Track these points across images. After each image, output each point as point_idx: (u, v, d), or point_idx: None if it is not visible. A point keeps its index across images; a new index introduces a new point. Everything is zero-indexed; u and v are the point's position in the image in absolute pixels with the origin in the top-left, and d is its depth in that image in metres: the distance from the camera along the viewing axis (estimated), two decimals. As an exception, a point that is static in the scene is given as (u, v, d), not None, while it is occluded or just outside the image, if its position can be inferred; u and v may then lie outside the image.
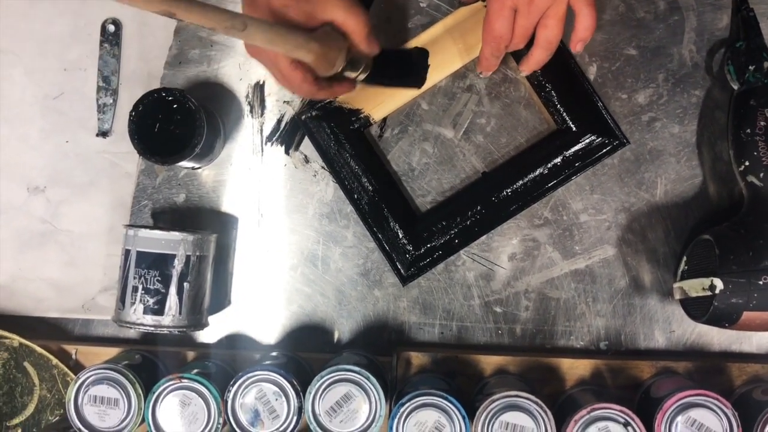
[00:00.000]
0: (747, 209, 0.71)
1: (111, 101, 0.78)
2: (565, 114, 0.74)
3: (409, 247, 0.75)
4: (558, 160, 0.74)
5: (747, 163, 0.70)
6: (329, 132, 0.74)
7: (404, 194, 0.76)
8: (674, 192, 0.76)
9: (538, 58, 0.68)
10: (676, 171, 0.76)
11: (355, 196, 0.75)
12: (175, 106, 0.72)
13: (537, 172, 0.74)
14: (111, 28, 0.78)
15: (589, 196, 0.76)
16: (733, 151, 0.72)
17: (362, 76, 0.67)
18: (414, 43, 0.74)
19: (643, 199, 0.76)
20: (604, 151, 0.74)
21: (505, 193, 0.74)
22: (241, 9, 0.64)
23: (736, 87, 0.73)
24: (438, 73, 0.74)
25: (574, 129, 0.74)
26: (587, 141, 0.74)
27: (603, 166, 0.76)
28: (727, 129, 0.73)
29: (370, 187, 0.74)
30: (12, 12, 0.79)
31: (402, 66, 0.73)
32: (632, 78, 0.76)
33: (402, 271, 0.75)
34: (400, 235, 0.74)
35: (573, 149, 0.74)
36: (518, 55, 0.73)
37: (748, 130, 0.70)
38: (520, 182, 0.74)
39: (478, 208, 0.74)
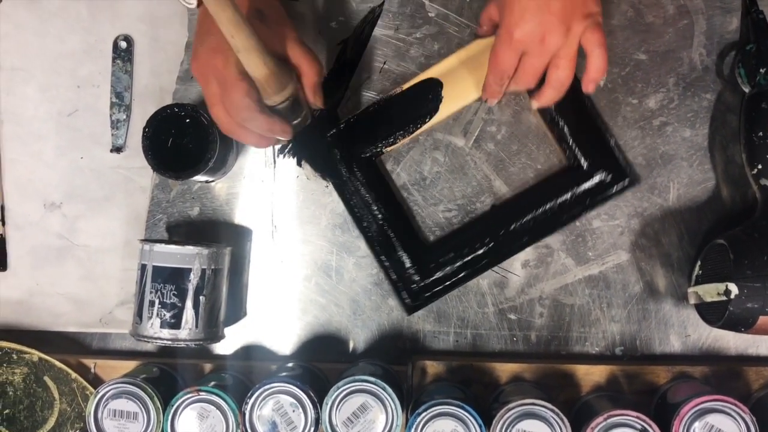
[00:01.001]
0: (761, 213, 0.71)
1: (124, 117, 0.79)
2: (577, 151, 0.74)
3: (416, 277, 0.75)
4: (567, 196, 0.74)
5: (760, 167, 0.70)
6: (340, 158, 0.75)
7: (413, 224, 0.77)
8: (687, 196, 0.76)
9: (549, 97, 0.68)
10: (689, 175, 0.76)
11: (364, 223, 0.75)
12: (187, 120, 0.73)
13: (546, 208, 0.74)
14: (123, 44, 0.79)
15: (601, 201, 0.76)
16: (745, 155, 0.72)
17: (297, 123, 0.66)
18: (428, 74, 0.74)
19: (655, 203, 0.76)
20: (615, 190, 0.74)
21: (513, 227, 0.74)
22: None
23: (747, 90, 0.72)
24: (452, 104, 0.74)
25: (585, 167, 0.74)
26: (598, 179, 0.74)
27: (615, 172, 0.76)
28: (740, 132, 0.73)
29: (379, 216, 0.74)
30: (24, 29, 0.80)
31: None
32: (642, 83, 0.76)
33: (407, 300, 0.75)
34: (407, 265, 0.75)
35: (583, 187, 0.74)
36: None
37: (761, 133, 0.70)
38: (529, 217, 0.74)
39: (486, 240, 0.74)
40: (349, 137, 0.75)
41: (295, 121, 0.66)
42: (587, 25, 0.64)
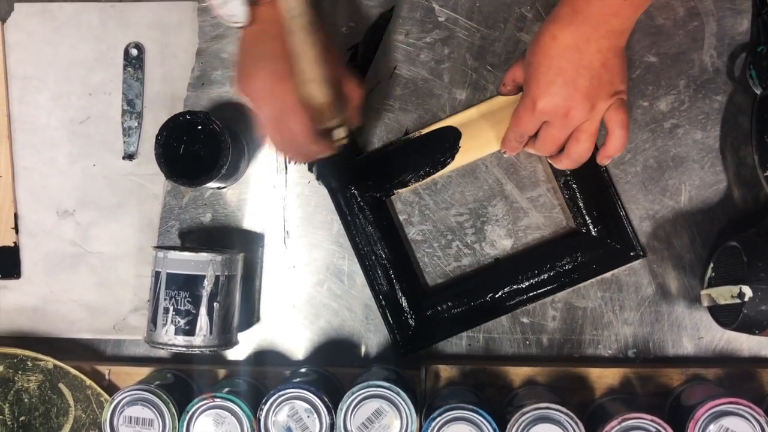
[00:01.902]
0: (773, 215, 0.71)
1: (136, 124, 0.79)
2: (588, 219, 0.74)
3: (411, 322, 0.75)
4: (574, 262, 0.74)
5: (772, 168, 0.70)
6: (350, 195, 0.75)
7: (416, 268, 0.77)
8: (699, 198, 0.75)
9: (565, 166, 0.69)
10: (700, 177, 0.76)
11: (366, 262, 0.75)
12: (199, 128, 0.73)
13: (550, 272, 0.74)
14: (134, 52, 0.79)
15: (613, 204, 0.76)
16: (757, 156, 0.72)
17: (343, 142, 0.67)
18: (448, 122, 0.75)
19: (667, 206, 0.76)
20: (620, 259, 0.74)
21: (516, 286, 0.75)
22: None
23: (758, 91, 0.72)
24: (469, 155, 0.75)
25: (594, 234, 0.74)
26: (605, 248, 0.74)
27: (626, 174, 0.76)
28: (751, 134, 0.73)
29: (383, 255, 0.75)
30: (36, 38, 0.80)
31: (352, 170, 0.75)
32: (653, 85, 0.76)
33: (400, 343, 0.75)
34: (405, 308, 0.75)
35: (590, 255, 0.74)
36: None
37: (773, 135, 0.70)
38: (533, 278, 0.74)
39: (488, 295, 0.75)
40: (361, 176, 0.75)
41: (342, 138, 0.67)
42: (612, 103, 0.64)
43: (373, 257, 0.75)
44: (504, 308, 0.75)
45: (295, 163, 0.76)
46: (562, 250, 0.75)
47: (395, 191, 0.76)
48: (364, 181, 0.75)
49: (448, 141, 0.75)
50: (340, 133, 0.66)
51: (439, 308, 0.75)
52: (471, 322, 0.75)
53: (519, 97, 0.68)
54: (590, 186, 0.74)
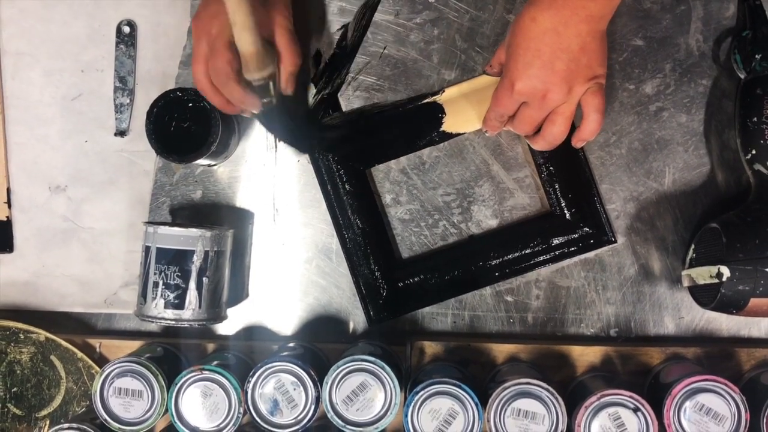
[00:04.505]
0: (754, 197, 0.72)
1: (128, 101, 0.80)
2: (563, 203, 0.75)
3: (383, 291, 0.76)
4: (545, 243, 0.75)
5: (754, 152, 0.71)
6: (331, 165, 0.76)
7: (391, 241, 0.78)
8: (682, 181, 0.77)
9: (540, 147, 0.70)
10: (684, 160, 0.77)
11: (344, 232, 0.76)
12: (190, 105, 0.74)
13: (523, 251, 0.76)
14: (126, 29, 0.80)
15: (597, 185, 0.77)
16: (740, 140, 0.73)
17: (266, 102, 0.69)
18: (451, 91, 0.76)
19: (651, 188, 0.77)
20: (592, 244, 0.75)
21: (487, 263, 0.76)
22: None
23: (742, 76, 0.73)
24: (452, 130, 0.76)
25: (568, 217, 0.75)
26: (578, 233, 0.75)
27: (611, 156, 0.77)
28: (734, 118, 0.74)
29: (359, 225, 0.76)
30: (28, 15, 0.80)
31: (292, 123, 0.74)
32: (639, 68, 0.77)
33: (371, 311, 0.77)
34: (378, 276, 0.76)
35: (563, 237, 0.75)
36: None
37: (755, 119, 0.71)
38: (505, 256, 0.76)
39: (458, 271, 0.76)
40: (342, 145, 0.76)
41: (265, 99, 0.69)
42: (589, 87, 0.65)
43: (349, 226, 0.76)
44: (472, 285, 0.76)
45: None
46: (536, 232, 0.76)
47: (375, 164, 0.77)
48: (344, 152, 0.76)
49: (432, 117, 0.76)
50: (265, 91, 0.68)
51: (410, 281, 0.76)
52: (440, 295, 0.77)
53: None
54: (566, 169, 0.75)
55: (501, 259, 0.76)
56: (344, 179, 0.76)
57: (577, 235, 0.76)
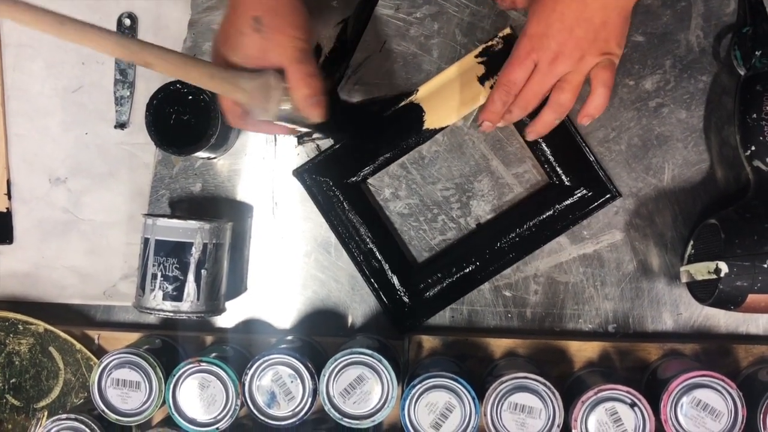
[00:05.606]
0: (753, 194, 0.72)
1: (128, 93, 0.80)
2: (558, 169, 0.75)
3: (405, 299, 0.76)
4: (550, 213, 0.75)
5: (753, 148, 0.71)
6: (324, 186, 0.76)
7: (400, 245, 0.78)
8: (681, 177, 0.77)
9: (547, 119, 0.69)
10: (684, 156, 0.77)
11: (353, 249, 0.76)
12: (190, 98, 0.74)
13: (529, 225, 0.76)
14: (127, 21, 0.80)
15: (597, 181, 0.77)
16: (739, 136, 0.73)
17: (293, 127, 0.68)
18: (425, 88, 0.76)
19: (650, 184, 0.77)
20: (597, 203, 0.75)
21: (498, 246, 0.76)
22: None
23: (742, 72, 0.73)
24: (436, 124, 0.76)
25: (567, 183, 0.75)
26: (580, 195, 0.75)
27: (610, 152, 0.77)
28: (734, 114, 0.74)
29: (368, 239, 0.76)
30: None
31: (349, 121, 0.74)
32: (639, 64, 0.77)
33: (399, 322, 0.77)
34: (397, 287, 0.76)
35: (565, 203, 0.75)
36: (521, 126, 0.75)
37: (755, 115, 0.71)
38: (513, 235, 0.76)
39: (473, 260, 0.76)
40: (334, 166, 0.76)
41: (292, 126, 0.67)
42: (601, 61, 0.65)
43: (359, 242, 0.76)
44: (492, 270, 0.76)
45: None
46: (539, 205, 0.76)
47: (369, 176, 0.77)
48: (335, 170, 0.76)
49: (413, 118, 0.76)
50: (289, 118, 0.65)
51: (429, 281, 0.77)
52: (463, 289, 0.77)
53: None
54: (556, 138, 0.74)
55: (511, 240, 0.76)
56: (341, 198, 0.76)
57: (580, 198, 0.75)
